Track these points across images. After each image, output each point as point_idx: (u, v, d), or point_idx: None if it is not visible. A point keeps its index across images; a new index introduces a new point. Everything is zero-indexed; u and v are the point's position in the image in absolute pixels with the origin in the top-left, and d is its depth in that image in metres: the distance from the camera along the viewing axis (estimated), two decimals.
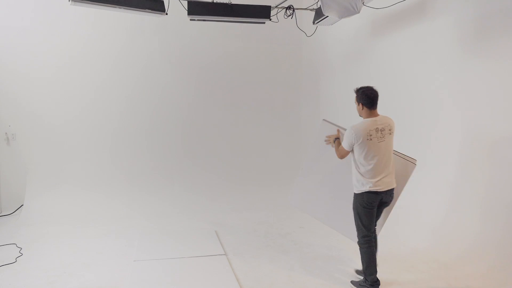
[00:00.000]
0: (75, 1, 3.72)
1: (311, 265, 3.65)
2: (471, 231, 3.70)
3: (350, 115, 5.64)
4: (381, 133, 3.10)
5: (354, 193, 3.16)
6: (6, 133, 5.67)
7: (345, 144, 3.11)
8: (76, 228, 4.81)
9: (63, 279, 3.37)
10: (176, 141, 6.32)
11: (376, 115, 3.16)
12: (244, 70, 6.61)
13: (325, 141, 3.43)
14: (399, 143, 4.70)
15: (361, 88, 3.16)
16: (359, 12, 3.92)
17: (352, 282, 3.28)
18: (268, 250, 4.06)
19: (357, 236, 3.18)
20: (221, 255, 3.87)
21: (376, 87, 3.19)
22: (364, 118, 3.15)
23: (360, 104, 3.13)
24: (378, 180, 3.07)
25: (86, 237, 4.48)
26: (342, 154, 3.18)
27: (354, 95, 3.20)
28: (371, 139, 3.04)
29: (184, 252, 3.93)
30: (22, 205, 5.55)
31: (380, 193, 3.09)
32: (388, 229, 4.49)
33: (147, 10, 4.07)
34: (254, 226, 4.91)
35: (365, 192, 3.07)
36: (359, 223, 3.14)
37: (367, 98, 3.10)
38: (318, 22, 4.76)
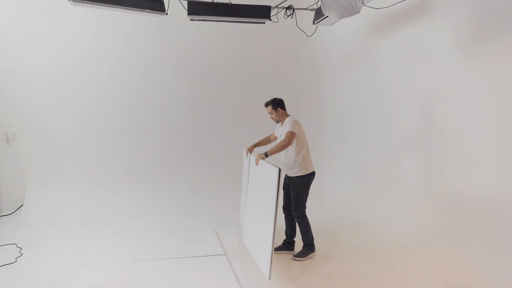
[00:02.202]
0: (75, 1, 3.72)
1: (311, 265, 3.65)
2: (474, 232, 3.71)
3: (350, 115, 5.66)
4: None
5: (299, 176, 3.73)
6: (6, 133, 5.67)
7: (295, 129, 3.61)
8: (76, 228, 4.81)
9: (63, 279, 3.37)
10: (176, 141, 6.33)
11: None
12: (244, 70, 6.61)
13: (257, 161, 3.61)
14: (399, 143, 4.71)
15: (273, 99, 3.84)
16: (359, 12, 3.92)
17: (294, 256, 3.77)
18: None
19: (297, 212, 3.74)
20: (221, 255, 3.87)
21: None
22: (286, 117, 3.82)
23: (279, 109, 3.82)
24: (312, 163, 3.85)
25: (86, 237, 4.48)
26: (290, 140, 3.58)
27: (266, 109, 3.86)
28: (303, 130, 3.77)
29: (184, 252, 3.93)
30: (22, 205, 5.55)
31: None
32: (388, 229, 4.50)
33: (147, 10, 4.07)
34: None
35: (311, 173, 3.78)
36: (303, 200, 3.75)
37: (283, 102, 3.86)
38: (318, 22, 4.76)
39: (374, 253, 3.92)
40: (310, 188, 3.84)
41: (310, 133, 6.70)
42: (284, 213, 3.98)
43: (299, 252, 3.81)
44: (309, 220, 3.82)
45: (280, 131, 3.83)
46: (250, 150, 4.06)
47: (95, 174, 5.87)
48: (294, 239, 3.99)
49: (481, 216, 3.65)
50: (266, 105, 3.85)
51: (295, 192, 3.76)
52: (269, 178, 3.24)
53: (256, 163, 3.57)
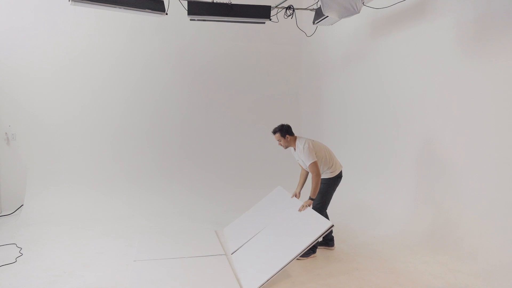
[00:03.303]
0: (75, 1, 3.72)
1: (311, 265, 3.65)
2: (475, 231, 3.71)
3: (350, 115, 5.66)
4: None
5: (326, 178, 3.86)
6: (6, 133, 5.67)
7: (313, 156, 3.71)
8: (76, 228, 4.81)
9: (63, 279, 3.37)
10: (176, 141, 6.33)
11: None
12: (244, 70, 6.61)
13: (301, 210, 3.81)
14: (400, 143, 4.71)
15: (281, 125, 3.86)
16: (359, 12, 3.92)
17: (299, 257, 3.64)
18: None
19: (321, 213, 3.73)
20: (221, 255, 3.87)
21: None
22: (296, 141, 3.87)
23: (287, 135, 3.84)
24: None
25: (86, 237, 4.48)
26: (317, 170, 3.72)
27: (274, 136, 3.88)
28: (315, 142, 3.87)
29: (184, 252, 3.93)
30: (22, 205, 5.55)
31: None
32: (388, 229, 4.50)
33: (147, 10, 4.07)
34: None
35: (337, 176, 3.91)
36: (326, 200, 3.87)
37: (290, 128, 3.88)
38: (318, 22, 4.76)
39: (374, 253, 3.92)
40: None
41: (310, 133, 6.73)
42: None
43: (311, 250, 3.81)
44: None
45: (297, 156, 3.96)
46: (297, 195, 4.14)
47: (95, 174, 5.87)
48: (332, 234, 4.04)
49: (481, 216, 3.65)
50: (274, 132, 3.88)
51: (322, 191, 3.84)
52: (313, 226, 3.47)
53: (301, 210, 3.77)
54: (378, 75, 5.04)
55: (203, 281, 3.30)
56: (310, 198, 3.78)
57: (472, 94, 3.72)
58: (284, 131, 3.83)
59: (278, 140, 3.89)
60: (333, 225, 3.36)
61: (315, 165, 3.70)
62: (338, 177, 3.92)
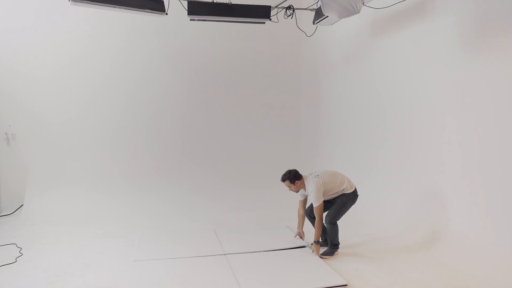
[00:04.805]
0: (75, 1, 3.72)
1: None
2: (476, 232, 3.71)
3: (350, 115, 5.66)
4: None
5: (345, 193, 3.90)
6: (6, 133, 5.67)
7: (320, 198, 3.74)
8: (76, 228, 4.81)
9: (63, 279, 3.37)
10: (176, 141, 6.33)
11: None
12: (244, 70, 6.61)
13: (317, 253, 3.85)
14: (400, 143, 4.71)
15: (288, 172, 3.87)
16: (359, 12, 3.92)
17: (321, 254, 3.81)
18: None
19: (331, 219, 3.85)
20: (221, 255, 3.87)
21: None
22: (305, 183, 3.87)
23: (296, 181, 3.84)
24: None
25: (86, 237, 4.47)
26: (319, 210, 3.77)
27: (284, 183, 3.89)
28: (321, 178, 3.84)
29: (184, 252, 3.92)
30: (22, 205, 5.55)
31: None
32: (388, 229, 4.50)
33: (147, 10, 4.07)
34: (254, 226, 4.91)
35: (354, 192, 3.96)
36: (342, 212, 3.89)
37: (298, 173, 3.88)
38: (318, 22, 4.76)
39: (374, 253, 3.92)
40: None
41: (310, 133, 6.73)
42: (309, 219, 4.11)
43: (325, 251, 3.88)
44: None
45: (302, 197, 4.07)
46: (301, 235, 4.21)
47: (95, 174, 5.87)
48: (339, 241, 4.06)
49: (482, 216, 3.65)
50: (283, 180, 3.89)
51: (341, 202, 3.88)
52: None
53: (318, 252, 3.82)
54: (378, 75, 5.04)
55: (203, 281, 3.30)
56: (315, 242, 3.82)
57: (472, 94, 3.72)
58: (293, 177, 3.84)
59: (288, 187, 3.90)
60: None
61: (320, 208, 3.75)
62: (355, 195, 3.95)
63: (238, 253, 3.88)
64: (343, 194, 3.90)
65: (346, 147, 5.80)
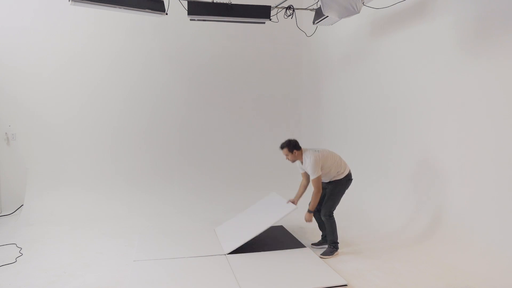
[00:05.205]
0: (75, 1, 3.72)
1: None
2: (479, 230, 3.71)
3: (350, 115, 5.66)
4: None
5: (336, 180, 3.92)
6: (6, 133, 5.67)
7: (317, 171, 3.76)
8: (76, 228, 4.81)
9: (63, 279, 3.37)
10: (176, 141, 6.33)
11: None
12: (244, 70, 6.61)
13: (309, 219, 3.95)
14: (400, 143, 4.71)
15: (288, 141, 3.89)
16: (359, 12, 3.92)
17: (321, 254, 3.83)
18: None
19: (326, 210, 3.90)
20: (221, 255, 3.87)
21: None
22: (302, 155, 3.89)
23: (294, 150, 3.86)
24: None
25: (86, 237, 4.47)
26: (319, 184, 3.82)
27: (282, 151, 3.91)
28: (321, 153, 3.87)
29: (184, 252, 3.93)
30: (22, 205, 5.55)
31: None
32: (388, 229, 4.50)
33: (147, 10, 4.07)
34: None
35: (347, 177, 3.96)
36: (336, 200, 3.92)
37: (297, 143, 3.90)
38: (318, 22, 4.76)
39: (374, 253, 3.92)
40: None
41: (310, 133, 6.73)
42: (316, 219, 4.13)
43: (325, 251, 3.90)
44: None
45: (302, 170, 4.05)
46: (295, 202, 4.17)
47: (95, 174, 5.88)
48: (338, 241, 4.06)
49: (482, 216, 3.65)
50: (282, 147, 3.91)
51: (332, 191, 3.92)
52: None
53: (309, 221, 3.91)
54: (378, 75, 5.04)
55: (202, 281, 3.30)
56: (309, 211, 3.87)
57: (472, 94, 3.72)
58: (292, 146, 3.86)
59: (285, 155, 3.91)
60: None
61: (318, 180, 3.77)
62: (348, 179, 3.95)
63: (238, 253, 3.88)
64: (335, 181, 3.90)
65: (346, 147, 5.80)
